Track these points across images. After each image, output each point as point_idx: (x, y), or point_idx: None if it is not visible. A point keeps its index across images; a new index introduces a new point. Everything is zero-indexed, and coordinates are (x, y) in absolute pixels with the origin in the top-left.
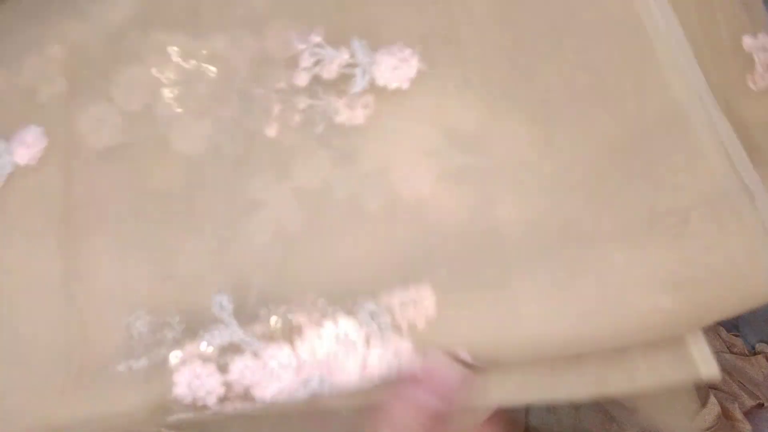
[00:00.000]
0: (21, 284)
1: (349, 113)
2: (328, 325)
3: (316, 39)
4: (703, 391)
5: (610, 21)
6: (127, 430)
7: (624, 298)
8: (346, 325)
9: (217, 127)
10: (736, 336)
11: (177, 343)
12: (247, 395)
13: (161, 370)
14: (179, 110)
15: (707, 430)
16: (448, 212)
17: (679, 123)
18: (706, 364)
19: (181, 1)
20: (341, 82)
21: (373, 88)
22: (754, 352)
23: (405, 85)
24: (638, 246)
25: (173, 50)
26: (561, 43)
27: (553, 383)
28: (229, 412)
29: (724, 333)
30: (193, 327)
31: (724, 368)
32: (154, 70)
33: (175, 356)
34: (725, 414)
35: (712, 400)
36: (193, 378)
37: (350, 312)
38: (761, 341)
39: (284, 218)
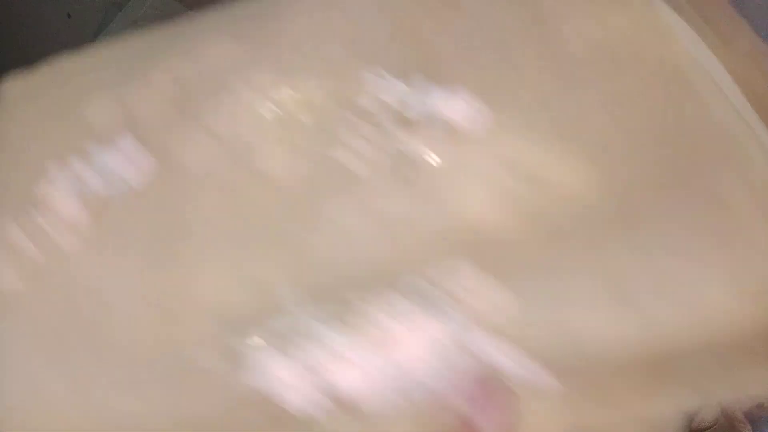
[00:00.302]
0: (119, 294)
1: (422, 150)
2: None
3: (397, 84)
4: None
5: (651, 63)
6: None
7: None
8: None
9: (306, 159)
10: None
11: (265, 349)
12: (329, 391)
13: (249, 373)
14: (272, 143)
15: (706, 429)
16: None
17: (723, 141)
18: None
19: (276, 47)
20: (415, 121)
21: (445, 127)
22: None
23: (474, 126)
24: (708, 265)
25: (269, 89)
26: (610, 88)
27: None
28: (313, 411)
29: None
30: (281, 333)
31: None
32: (251, 106)
33: (262, 359)
34: (725, 413)
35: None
36: (280, 379)
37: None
38: None
39: (367, 244)
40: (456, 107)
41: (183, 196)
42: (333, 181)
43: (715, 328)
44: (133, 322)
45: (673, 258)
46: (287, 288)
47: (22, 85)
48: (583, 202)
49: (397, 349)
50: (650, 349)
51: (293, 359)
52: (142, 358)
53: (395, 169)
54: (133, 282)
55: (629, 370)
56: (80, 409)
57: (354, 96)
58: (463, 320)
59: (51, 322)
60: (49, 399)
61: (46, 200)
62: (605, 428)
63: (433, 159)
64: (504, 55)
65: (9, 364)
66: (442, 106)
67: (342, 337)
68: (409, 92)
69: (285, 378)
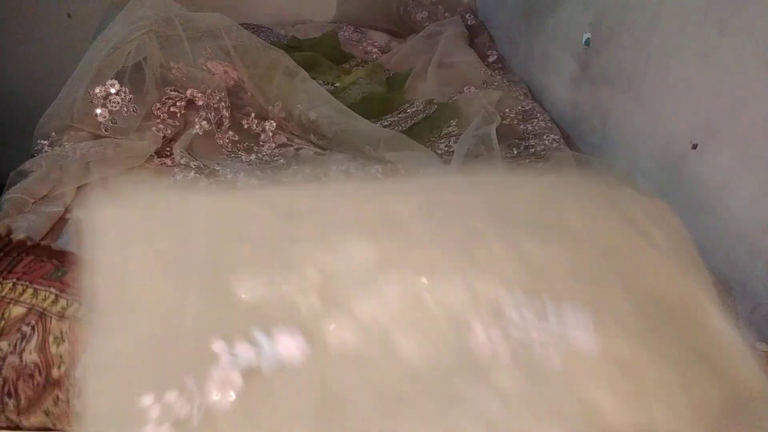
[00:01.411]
0: None
1: (544, 349)
2: None
3: (518, 296)
4: None
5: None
6: None
7: None
8: None
9: (434, 341)
10: None
11: None
12: None
13: None
14: (406, 327)
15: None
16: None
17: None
18: None
19: (415, 248)
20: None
21: (563, 338)
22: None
23: (586, 339)
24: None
25: (403, 286)
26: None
27: None
28: None
29: None
30: None
31: None
32: (387, 297)
33: None
34: None
35: None
36: None
37: None
38: (761, 341)
39: (501, 388)
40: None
41: (328, 374)
42: (465, 367)
43: None
44: None
45: None
46: None
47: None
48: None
49: None
50: None
51: None
52: None
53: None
54: None
55: None
56: None
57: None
58: None
59: None
60: None
61: (207, 372)
62: None
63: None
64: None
65: None
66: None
67: None
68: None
69: None
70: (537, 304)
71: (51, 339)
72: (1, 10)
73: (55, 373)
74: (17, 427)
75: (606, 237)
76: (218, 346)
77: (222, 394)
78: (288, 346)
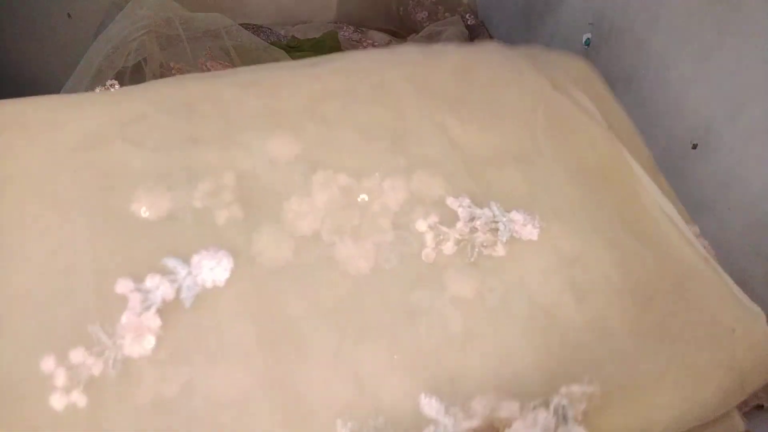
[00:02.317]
0: (222, 390)
1: (495, 249)
2: (528, 417)
3: (465, 201)
4: None
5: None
6: None
7: (696, 386)
8: (542, 417)
9: (377, 251)
10: None
11: None
12: None
13: None
14: (343, 236)
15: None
16: (571, 319)
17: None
18: None
19: (344, 145)
20: (489, 231)
21: (512, 237)
22: None
23: (533, 236)
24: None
25: (336, 185)
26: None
27: None
28: None
29: None
30: (404, 427)
31: None
32: (319, 201)
33: None
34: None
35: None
36: None
37: (544, 405)
38: None
39: (447, 323)
40: (521, 223)
41: (263, 292)
42: (412, 273)
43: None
44: (243, 418)
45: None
46: (388, 386)
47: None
48: (612, 280)
49: None
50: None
51: None
52: None
53: (474, 263)
54: (233, 381)
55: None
56: None
57: (425, 199)
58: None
59: None
60: None
61: (117, 315)
62: None
63: (505, 256)
64: (547, 184)
65: None
66: (511, 225)
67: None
68: (483, 212)
69: None
70: (475, 191)
71: None
72: (1, 10)
73: None
74: None
75: (532, 110)
76: (123, 284)
77: (139, 341)
78: (212, 270)
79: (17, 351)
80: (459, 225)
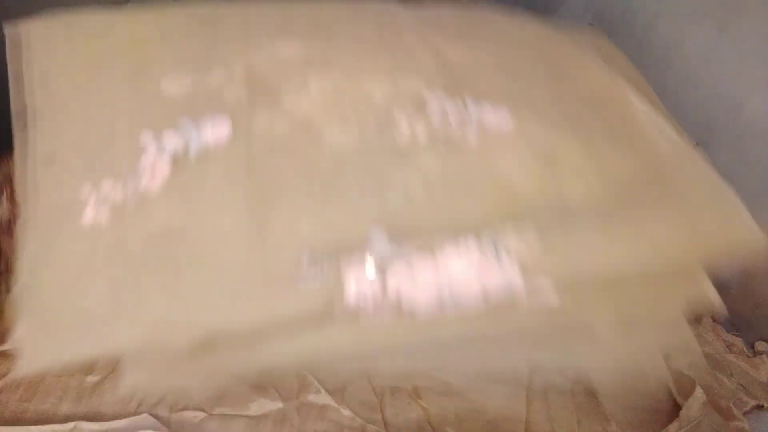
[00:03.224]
0: (213, 227)
1: (467, 139)
2: (461, 249)
3: (440, 93)
4: (690, 382)
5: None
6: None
7: (651, 239)
8: (472, 251)
9: (360, 129)
10: (736, 336)
11: (347, 264)
12: (399, 305)
13: (335, 283)
14: (331, 118)
15: (694, 420)
16: (529, 190)
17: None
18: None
19: (341, 48)
20: (461, 122)
21: (483, 128)
22: (754, 352)
23: (503, 126)
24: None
25: (329, 81)
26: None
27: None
28: (381, 323)
29: (723, 333)
30: (360, 251)
31: (725, 369)
32: (314, 91)
33: (346, 272)
34: (722, 412)
35: (698, 390)
36: (359, 287)
37: (476, 239)
38: (761, 340)
39: (412, 193)
40: (490, 112)
41: (257, 155)
42: (388, 152)
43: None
44: (229, 246)
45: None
46: (362, 218)
47: (65, 36)
48: (584, 171)
49: (449, 271)
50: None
51: (370, 268)
52: (237, 273)
53: (441, 140)
54: (223, 215)
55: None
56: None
57: (404, 94)
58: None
59: (130, 251)
60: (125, 307)
61: (136, 158)
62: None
63: (474, 142)
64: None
65: (87, 282)
66: (479, 113)
67: (408, 258)
68: (456, 104)
69: (354, 285)
70: (458, 99)
71: None
72: (1, 10)
73: None
74: None
75: (529, 41)
76: (146, 135)
77: (152, 179)
78: (214, 132)
79: (64, 180)
80: (434, 115)
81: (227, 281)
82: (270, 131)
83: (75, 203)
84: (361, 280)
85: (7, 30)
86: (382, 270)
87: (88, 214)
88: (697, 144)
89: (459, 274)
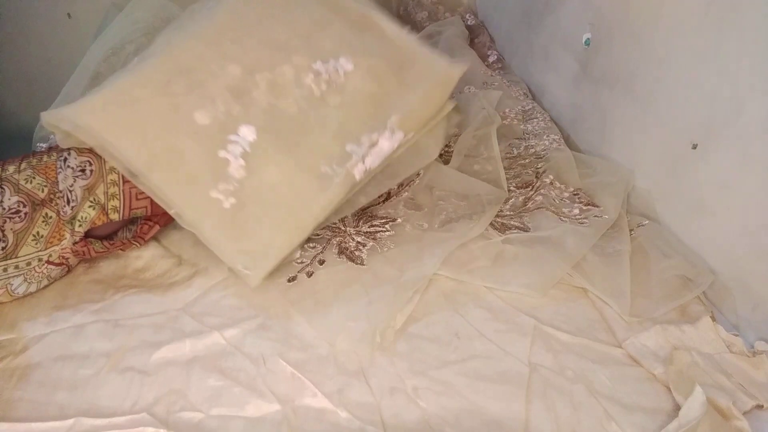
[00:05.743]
0: (281, 176)
1: (339, 82)
2: (381, 136)
3: (319, 63)
4: (689, 382)
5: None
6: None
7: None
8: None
9: (295, 99)
10: (736, 336)
11: (351, 164)
12: (368, 170)
13: (347, 173)
14: (278, 95)
15: (693, 420)
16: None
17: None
18: None
19: (264, 57)
20: (333, 72)
21: (346, 75)
22: (754, 352)
23: (348, 67)
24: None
25: (264, 78)
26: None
27: None
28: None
29: (723, 333)
30: (349, 156)
31: (724, 368)
32: (264, 86)
33: (352, 167)
34: (722, 412)
35: (698, 390)
36: (358, 171)
37: (380, 131)
38: (761, 339)
39: (332, 104)
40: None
41: (274, 133)
42: (312, 104)
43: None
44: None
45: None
46: (340, 145)
47: None
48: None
49: (381, 147)
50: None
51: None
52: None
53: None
54: (283, 170)
55: None
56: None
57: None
58: None
59: None
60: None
61: (225, 167)
62: None
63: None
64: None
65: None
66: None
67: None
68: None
69: (357, 173)
70: (324, 56)
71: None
72: (1, 9)
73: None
74: None
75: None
76: (221, 153)
77: (237, 170)
78: (250, 133)
79: (203, 145)
80: (322, 74)
81: (303, 184)
82: (271, 117)
83: (212, 168)
84: (358, 168)
85: None
86: (363, 160)
87: (222, 198)
88: (697, 144)
89: (384, 148)
